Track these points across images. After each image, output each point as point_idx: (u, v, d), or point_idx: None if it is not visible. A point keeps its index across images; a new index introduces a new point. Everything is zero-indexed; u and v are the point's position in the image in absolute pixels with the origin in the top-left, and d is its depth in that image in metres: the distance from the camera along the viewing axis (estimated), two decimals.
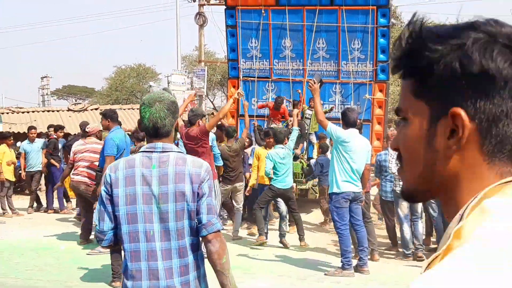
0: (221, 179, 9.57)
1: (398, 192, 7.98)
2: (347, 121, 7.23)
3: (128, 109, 21.87)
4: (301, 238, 9.05)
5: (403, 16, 35.48)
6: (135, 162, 2.97)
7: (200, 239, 2.98)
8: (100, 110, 20.51)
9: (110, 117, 8.22)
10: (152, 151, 2.98)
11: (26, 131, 13.96)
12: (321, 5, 12.92)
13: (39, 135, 13.85)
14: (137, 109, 21.15)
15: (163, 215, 2.89)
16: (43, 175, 12.88)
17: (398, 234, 8.75)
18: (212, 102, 41.30)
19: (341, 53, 13.08)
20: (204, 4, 22.97)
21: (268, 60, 13.72)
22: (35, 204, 12.90)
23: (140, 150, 3.13)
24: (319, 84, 7.19)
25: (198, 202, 2.90)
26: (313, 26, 13.01)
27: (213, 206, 2.96)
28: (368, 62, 12.90)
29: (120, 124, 8.68)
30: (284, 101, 13.00)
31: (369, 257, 7.95)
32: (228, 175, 9.64)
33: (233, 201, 10.14)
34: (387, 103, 13.43)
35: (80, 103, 22.93)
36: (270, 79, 13.82)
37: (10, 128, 17.59)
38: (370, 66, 12.89)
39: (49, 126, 14.54)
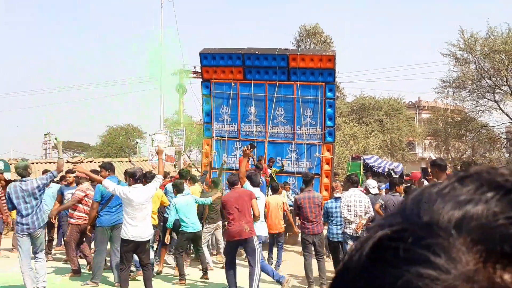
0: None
1: (348, 233, 7.92)
2: (253, 182, 7.73)
3: (118, 161, 21.48)
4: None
5: (345, 90, 36.69)
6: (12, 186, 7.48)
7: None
8: (94, 162, 20.13)
9: (104, 168, 8.32)
10: (24, 181, 7.38)
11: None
12: (280, 80, 13.14)
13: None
14: (126, 161, 20.77)
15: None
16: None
17: None
18: (189, 156, 41.05)
19: (296, 119, 13.22)
20: (184, 77, 23.26)
21: (236, 124, 13.75)
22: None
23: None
24: (252, 149, 7.70)
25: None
26: (273, 97, 13.17)
27: None
28: (318, 127, 13.06)
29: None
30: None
31: None
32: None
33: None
34: (333, 161, 13.55)
35: (77, 156, 22.38)
36: (237, 139, 13.80)
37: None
38: (319, 130, 13.04)
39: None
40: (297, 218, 8.56)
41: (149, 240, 7.24)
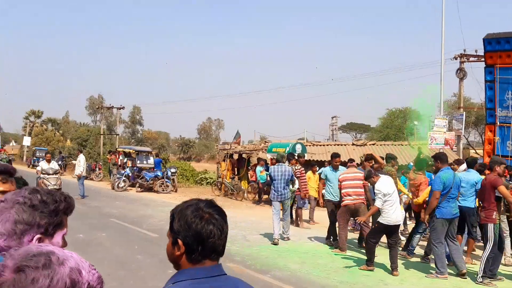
0: None
1: None
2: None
3: (398, 145, 21.90)
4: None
5: None
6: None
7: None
8: (377, 145, 20.99)
9: (439, 159, 7.83)
10: (281, 165, 10.16)
11: (330, 159, 11.25)
12: None
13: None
14: (405, 144, 21.03)
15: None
16: None
17: None
18: (467, 138, 38.61)
19: None
20: (465, 61, 22.06)
21: None
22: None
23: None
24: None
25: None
26: None
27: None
28: None
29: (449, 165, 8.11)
30: None
31: None
32: None
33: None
34: None
35: (361, 139, 23.82)
36: None
37: (311, 157, 18.70)
38: None
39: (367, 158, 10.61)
40: None
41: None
